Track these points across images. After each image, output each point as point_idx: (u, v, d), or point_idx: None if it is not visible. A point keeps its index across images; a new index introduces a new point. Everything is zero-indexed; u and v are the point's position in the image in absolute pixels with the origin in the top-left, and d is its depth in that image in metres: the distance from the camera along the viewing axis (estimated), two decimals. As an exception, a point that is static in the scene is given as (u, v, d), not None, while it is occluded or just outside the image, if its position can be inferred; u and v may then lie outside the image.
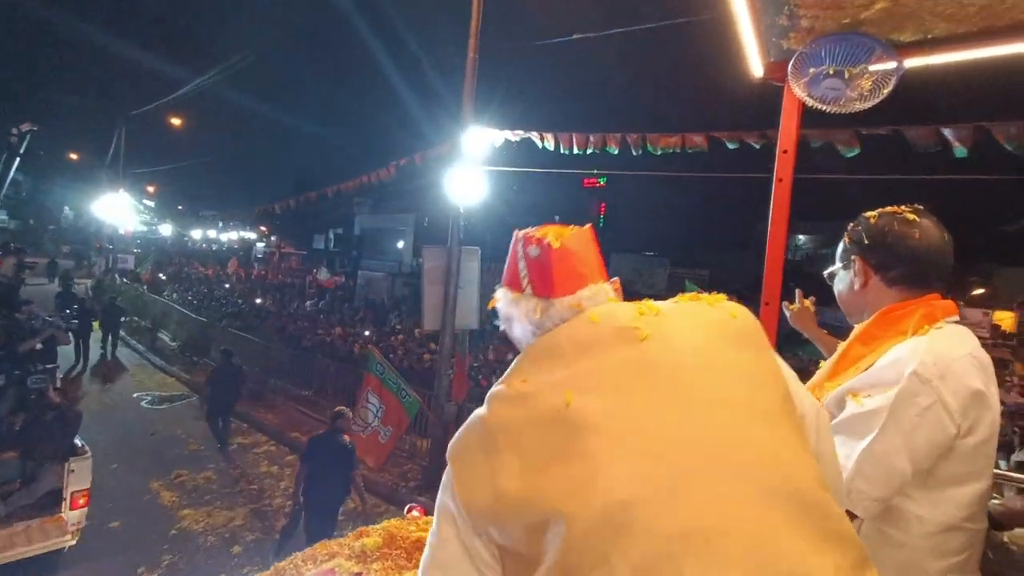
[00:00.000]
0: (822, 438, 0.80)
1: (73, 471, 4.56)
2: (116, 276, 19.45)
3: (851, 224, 1.25)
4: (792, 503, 0.60)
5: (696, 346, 0.72)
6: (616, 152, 5.68)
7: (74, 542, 4.56)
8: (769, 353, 0.77)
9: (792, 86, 1.89)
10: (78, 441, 4.83)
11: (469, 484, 0.69)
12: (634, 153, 5.51)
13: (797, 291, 1.72)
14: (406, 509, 2.45)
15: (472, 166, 6.50)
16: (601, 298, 0.83)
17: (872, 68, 1.73)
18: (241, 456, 7.85)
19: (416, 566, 1.85)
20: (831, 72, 1.77)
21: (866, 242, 1.19)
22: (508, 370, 0.79)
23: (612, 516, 0.59)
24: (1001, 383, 5.55)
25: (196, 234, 29.44)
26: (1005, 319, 14.48)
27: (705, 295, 0.83)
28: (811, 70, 1.81)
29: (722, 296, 0.83)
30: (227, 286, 19.32)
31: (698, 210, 24.23)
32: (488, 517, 0.68)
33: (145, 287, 18.48)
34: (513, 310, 0.86)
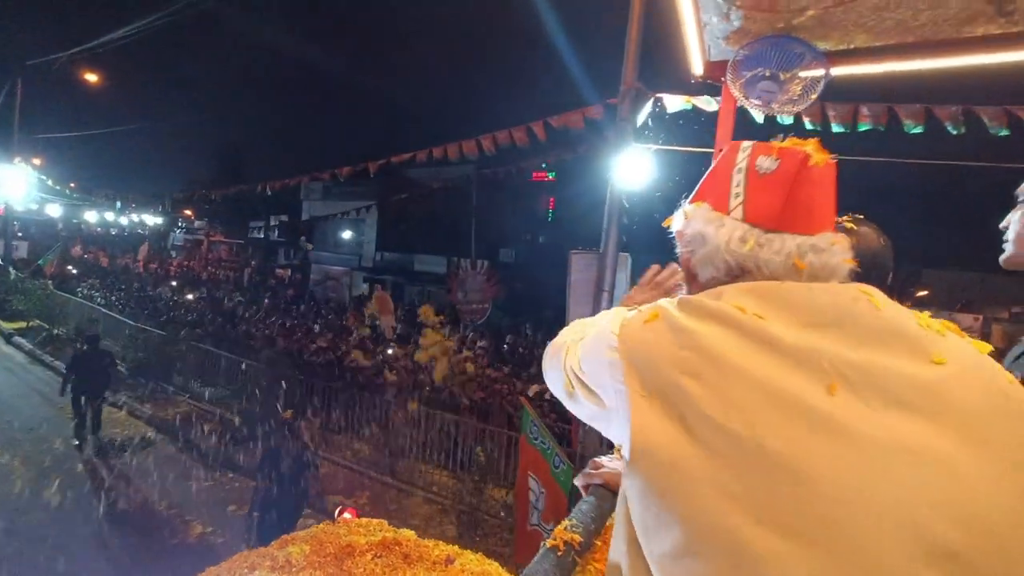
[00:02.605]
0: None
1: None
2: (10, 269, 15.97)
3: None
4: None
5: (996, 405, 0.53)
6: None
7: None
8: None
9: (730, 87, 1.99)
10: None
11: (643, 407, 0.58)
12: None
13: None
14: (336, 512, 2.38)
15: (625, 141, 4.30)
16: (834, 262, 0.66)
17: (803, 74, 1.84)
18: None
19: (347, 573, 1.78)
20: (767, 75, 1.88)
21: None
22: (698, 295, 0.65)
23: None
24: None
25: (91, 217, 25.47)
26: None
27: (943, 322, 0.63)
28: (747, 72, 1.90)
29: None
30: (172, 284, 16.99)
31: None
32: (637, 470, 0.58)
33: (51, 283, 15.07)
34: (709, 231, 0.70)
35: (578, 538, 1.26)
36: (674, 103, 4.58)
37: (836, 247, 0.66)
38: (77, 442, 7.20)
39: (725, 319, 0.59)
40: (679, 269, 1.35)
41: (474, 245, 14.33)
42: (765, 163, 0.68)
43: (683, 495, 0.53)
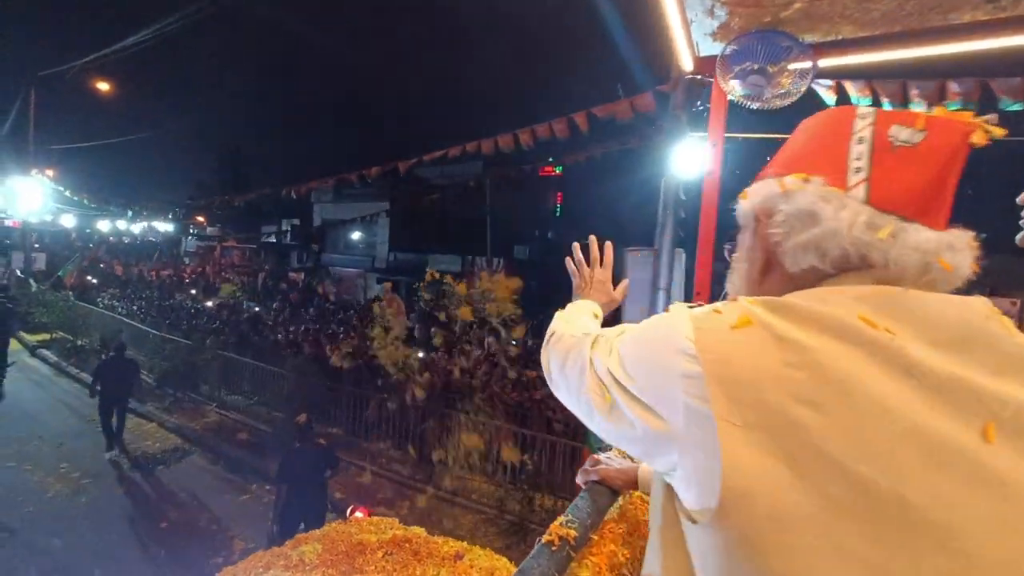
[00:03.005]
0: None
1: None
2: (30, 281, 15.97)
3: None
4: None
5: None
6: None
7: None
8: None
9: (720, 81, 2.00)
10: None
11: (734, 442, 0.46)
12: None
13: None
14: (348, 511, 2.45)
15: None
16: (965, 267, 0.54)
17: (790, 67, 1.85)
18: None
19: (358, 570, 1.85)
20: (755, 69, 1.89)
21: None
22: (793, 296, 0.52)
23: None
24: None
25: (104, 226, 25.18)
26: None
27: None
28: (736, 67, 1.92)
29: None
30: (193, 292, 16.53)
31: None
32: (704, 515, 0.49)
33: (71, 294, 14.99)
34: (827, 210, 0.55)
35: (573, 533, 1.31)
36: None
37: (969, 248, 0.55)
38: (109, 454, 7.27)
39: (849, 333, 0.48)
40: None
41: (490, 242, 14.15)
42: (903, 134, 0.55)
43: (792, 556, 0.43)
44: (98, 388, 7.51)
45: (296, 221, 28.11)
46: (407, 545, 1.98)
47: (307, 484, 4.45)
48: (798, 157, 0.61)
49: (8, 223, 17.84)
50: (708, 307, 0.55)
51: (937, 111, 0.57)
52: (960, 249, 0.54)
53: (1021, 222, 1.08)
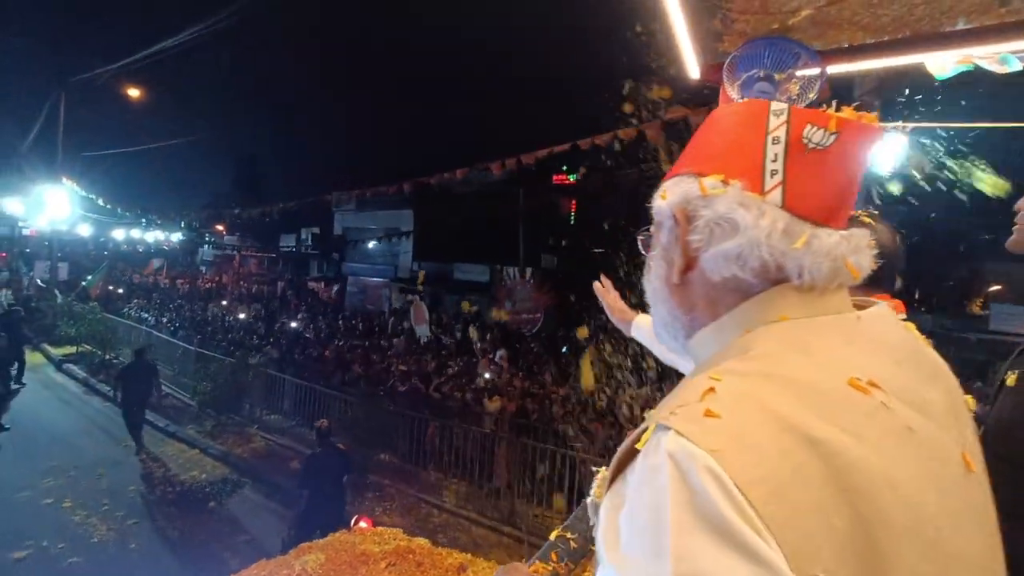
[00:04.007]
0: None
1: None
2: (55, 291, 15.57)
3: None
4: None
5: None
6: None
7: None
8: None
9: (727, 88, 1.99)
10: None
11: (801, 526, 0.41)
12: None
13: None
14: (352, 521, 2.46)
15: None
16: (866, 267, 0.57)
17: (799, 74, 1.83)
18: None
19: (362, 581, 1.86)
20: (762, 75, 1.88)
21: None
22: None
23: None
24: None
25: (118, 234, 24.25)
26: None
27: None
28: (743, 74, 1.91)
29: None
30: (224, 304, 16.17)
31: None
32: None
33: (96, 305, 14.63)
34: (746, 218, 0.54)
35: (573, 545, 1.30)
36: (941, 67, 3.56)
37: (868, 248, 0.56)
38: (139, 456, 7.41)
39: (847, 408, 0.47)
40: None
41: (522, 252, 13.91)
42: (816, 136, 0.55)
43: None
44: (119, 395, 7.86)
45: (316, 230, 28.16)
46: (410, 556, 1.98)
47: (327, 489, 4.56)
48: (715, 155, 0.59)
49: (26, 232, 17.62)
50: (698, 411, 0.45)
51: (846, 111, 0.57)
52: (862, 250, 0.55)
53: (1014, 228, 1.09)
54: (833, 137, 0.54)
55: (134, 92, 17.27)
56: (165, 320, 13.92)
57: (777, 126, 0.56)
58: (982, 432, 1.09)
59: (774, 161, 0.55)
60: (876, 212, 1.32)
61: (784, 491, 0.40)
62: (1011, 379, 1.02)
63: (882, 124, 0.59)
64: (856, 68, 1.82)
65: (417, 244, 21.55)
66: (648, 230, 0.69)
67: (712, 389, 0.46)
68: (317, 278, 26.20)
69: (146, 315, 14.59)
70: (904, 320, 1.25)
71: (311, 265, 28.45)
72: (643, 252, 0.71)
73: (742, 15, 1.85)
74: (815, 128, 0.55)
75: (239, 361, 9.71)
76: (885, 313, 0.57)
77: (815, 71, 1.82)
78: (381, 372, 8.97)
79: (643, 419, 0.49)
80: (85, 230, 21.35)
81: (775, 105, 0.58)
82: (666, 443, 0.43)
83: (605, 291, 1.48)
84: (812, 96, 1.87)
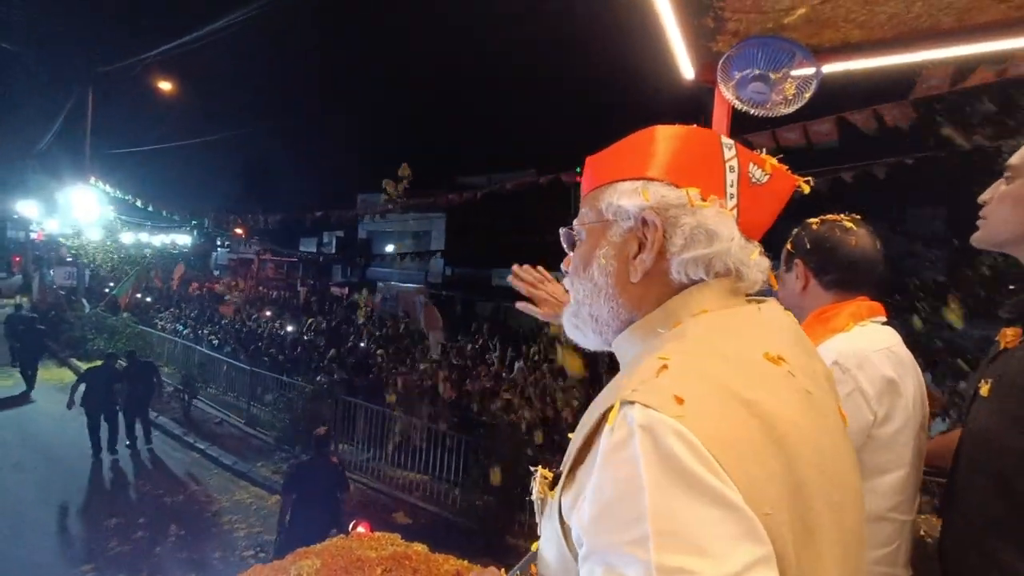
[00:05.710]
0: None
1: None
2: (83, 301, 14.77)
3: (795, 230, 1.35)
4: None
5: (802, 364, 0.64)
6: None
7: None
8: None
9: (721, 89, 1.97)
10: None
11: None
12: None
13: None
14: (351, 525, 2.47)
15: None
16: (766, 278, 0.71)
17: (794, 73, 1.81)
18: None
19: (357, 586, 1.88)
20: (756, 75, 1.85)
21: (807, 247, 1.33)
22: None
23: None
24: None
25: (127, 238, 24.42)
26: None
27: None
28: (737, 73, 1.89)
29: None
30: (268, 315, 14.33)
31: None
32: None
33: (127, 316, 13.47)
34: (723, 230, 0.64)
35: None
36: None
37: (768, 267, 0.70)
38: (102, 454, 7.02)
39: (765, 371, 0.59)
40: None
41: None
42: (757, 173, 0.66)
43: None
44: (80, 398, 7.17)
45: (340, 233, 27.34)
46: (407, 562, 2.00)
47: (316, 500, 4.42)
48: (683, 168, 0.66)
49: (33, 236, 16.47)
50: (665, 391, 0.51)
51: (771, 161, 0.69)
52: (767, 268, 0.68)
53: (979, 222, 1.08)
54: (768, 176, 0.67)
55: (164, 85, 16.46)
56: (207, 332, 12.53)
57: (731, 157, 0.66)
58: (959, 443, 1.08)
59: (731, 186, 0.66)
60: (859, 217, 1.30)
61: (736, 444, 0.49)
62: (984, 389, 1.00)
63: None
64: (852, 66, 1.79)
65: (448, 248, 20.15)
66: (572, 226, 0.76)
67: (665, 367, 0.55)
68: (341, 283, 24.40)
69: (181, 327, 13.35)
70: (884, 323, 1.25)
71: (334, 269, 27.59)
72: (566, 248, 0.78)
73: (734, 14, 1.82)
74: (755, 167, 0.67)
75: (318, 387, 8.42)
76: (776, 305, 0.69)
77: (811, 70, 1.80)
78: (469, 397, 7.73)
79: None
80: (95, 234, 19.75)
81: (724, 138, 0.68)
82: (635, 415, 0.50)
83: (538, 280, 1.23)
84: (808, 96, 1.85)
